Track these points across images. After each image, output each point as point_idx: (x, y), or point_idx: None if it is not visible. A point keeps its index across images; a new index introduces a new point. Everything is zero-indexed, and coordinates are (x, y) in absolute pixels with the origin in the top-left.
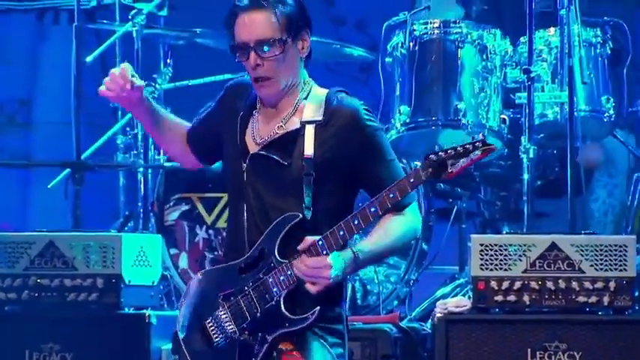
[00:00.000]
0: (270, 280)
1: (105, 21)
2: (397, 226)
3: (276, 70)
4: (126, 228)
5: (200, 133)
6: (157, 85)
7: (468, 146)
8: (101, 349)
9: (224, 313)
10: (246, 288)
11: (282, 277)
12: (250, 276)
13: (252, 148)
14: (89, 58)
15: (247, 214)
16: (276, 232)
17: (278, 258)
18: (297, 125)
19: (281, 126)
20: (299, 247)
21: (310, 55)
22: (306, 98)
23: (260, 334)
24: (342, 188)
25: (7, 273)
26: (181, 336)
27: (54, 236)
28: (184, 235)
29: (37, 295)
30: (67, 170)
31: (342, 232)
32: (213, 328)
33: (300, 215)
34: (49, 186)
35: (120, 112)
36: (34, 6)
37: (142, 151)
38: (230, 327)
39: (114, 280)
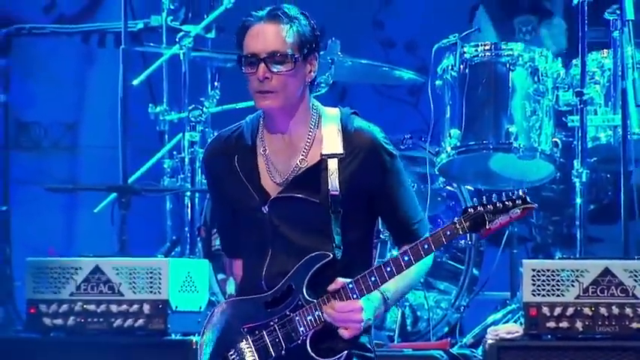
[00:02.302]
0: (297, 318)
1: (152, 44)
2: (416, 264)
3: (282, 86)
4: (173, 253)
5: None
6: (204, 109)
7: (507, 203)
8: None
9: (247, 347)
10: (272, 323)
11: (309, 317)
12: (277, 311)
13: (273, 189)
14: (136, 81)
15: (270, 255)
16: (304, 270)
17: (306, 296)
18: (318, 158)
19: (303, 159)
20: (329, 288)
21: (314, 81)
22: (317, 125)
23: None
24: (366, 218)
25: (52, 299)
26: None
27: (100, 261)
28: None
29: (82, 320)
30: (114, 194)
31: (373, 279)
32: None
33: (330, 255)
34: (95, 210)
35: (167, 136)
36: (79, 29)
37: (189, 175)
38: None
39: (160, 306)
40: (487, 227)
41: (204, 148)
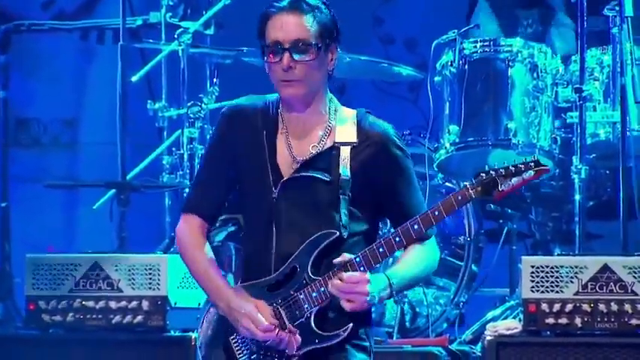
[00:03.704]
0: (302, 296)
1: (150, 40)
2: (422, 258)
3: (306, 74)
4: (172, 249)
5: (217, 202)
6: (203, 105)
7: (520, 166)
8: None
9: None
10: (274, 304)
11: (314, 294)
12: (280, 293)
13: (286, 171)
14: (135, 78)
15: (277, 236)
16: (311, 248)
17: (311, 275)
18: (330, 145)
19: (316, 145)
20: (335, 260)
21: (332, 71)
22: (334, 116)
23: (287, 352)
24: (370, 213)
25: (52, 295)
26: (201, 354)
27: (99, 257)
28: (231, 257)
29: (81, 317)
30: (113, 191)
31: (382, 249)
32: (237, 344)
33: (337, 233)
34: (94, 207)
35: (165, 133)
36: (77, 25)
37: (187, 171)
38: (254, 344)
39: (159, 302)
40: (500, 189)
41: (227, 106)
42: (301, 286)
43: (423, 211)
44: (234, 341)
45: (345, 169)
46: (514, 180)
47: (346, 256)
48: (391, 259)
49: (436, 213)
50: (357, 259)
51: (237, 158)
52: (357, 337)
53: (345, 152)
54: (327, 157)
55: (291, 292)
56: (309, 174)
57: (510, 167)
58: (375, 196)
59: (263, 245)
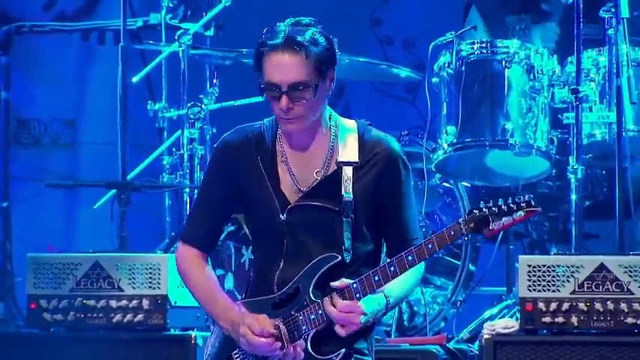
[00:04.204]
0: (301, 317)
1: (151, 41)
2: (415, 272)
3: (306, 111)
4: (172, 249)
5: (213, 233)
6: (203, 106)
7: (512, 205)
8: None
9: None
10: (276, 323)
11: (312, 316)
12: (282, 312)
13: (291, 197)
14: (135, 79)
15: (284, 259)
16: (312, 271)
17: (311, 297)
18: (335, 167)
19: (318, 170)
20: (332, 284)
21: (330, 92)
22: (336, 136)
23: None
24: (373, 232)
25: (53, 294)
26: None
27: (100, 257)
28: (230, 256)
29: (82, 316)
30: (113, 191)
31: (377, 278)
32: (238, 358)
33: (339, 257)
34: (94, 206)
35: (166, 133)
36: (78, 26)
37: (187, 171)
38: (256, 358)
39: (160, 301)
40: (490, 228)
41: (213, 141)
42: (302, 307)
43: (416, 229)
44: (235, 356)
45: (347, 191)
46: (504, 219)
47: (344, 282)
48: None
49: (429, 246)
50: (355, 285)
51: (239, 189)
52: (360, 353)
53: (348, 173)
54: (331, 181)
55: (292, 313)
56: (314, 203)
57: (502, 206)
58: (377, 211)
59: (271, 264)
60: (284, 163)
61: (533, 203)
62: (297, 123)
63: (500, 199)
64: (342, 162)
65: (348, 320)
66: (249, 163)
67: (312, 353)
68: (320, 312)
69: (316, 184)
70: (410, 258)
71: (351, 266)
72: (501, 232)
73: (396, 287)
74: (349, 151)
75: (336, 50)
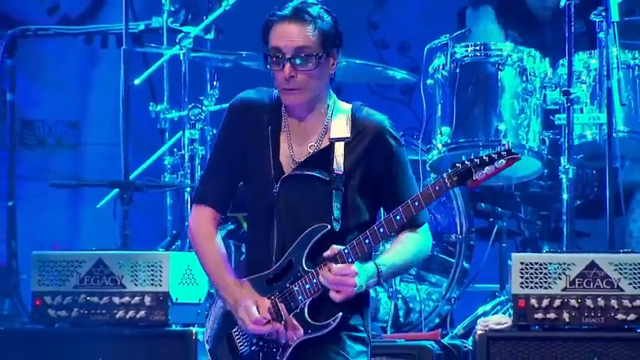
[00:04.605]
0: (296, 288)
1: (152, 44)
2: (413, 244)
3: (307, 83)
4: (173, 247)
5: (227, 192)
6: (203, 107)
7: (493, 155)
8: None
9: None
10: (272, 297)
11: (307, 286)
12: (277, 286)
13: (286, 167)
14: (137, 81)
15: (278, 230)
16: (304, 242)
17: (305, 267)
18: (328, 143)
19: (315, 144)
20: (325, 254)
21: (334, 74)
22: (331, 115)
23: (283, 341)
24: (367, 204)
25: (57, 291)
26: (208, 347)
27: (103, 255)
28: (230, 254)
29: (86, 312)
30: (116, 190)
31: (367, 240)
32: (238, 336)
33: (328, 226)
34: (98, 205)
35: (167, 134)
36: (82, 30)
37: (188, 171)
38: (254, 335)
39: (161, 298)
40: (474, 178)
41: (233, 99)
42: (296, 278)
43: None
44: (235, 333)
45: (338, 165)
46: (487, 169)
47: (335, 248)
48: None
49: (416, 203)
50: (346, 251)
51: (244, 151)
52: (353, 329)
53: (340, 148)
54: (324, 155)
55: (287, 285)
56: (306, 172)
57: (484, 157)
58: (372, 185)
59: (264, 239)
60: (285, 134)
61: (513, 150)
62: (297, 94)
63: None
64: (334, 138)
65: (342, 283)
66: (259, 128)
67: (310, 321)
68: (314, 281)
69: (309, 157)
70: (398, 217)
71: (343, 236)
72: (494, 231)
73: (388, 257)
74: (341, 128)
75: (341, 33)
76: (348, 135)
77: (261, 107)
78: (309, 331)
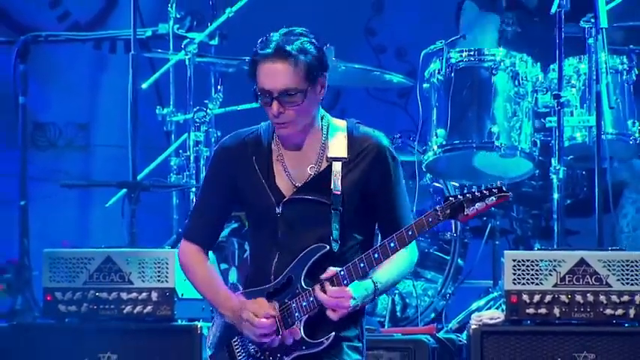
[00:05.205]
0: (294, 305)
1: (159, 50)
2: (404, 260)
3: (296, 116)
4: (179, 244)
5: (213, 230)
6: (208, 110)
7: (484, 191)
8: (155, 359)
9: None
10: (274, 307)
11: (304, 303)
12: (277, 300)
13: (286, 191)
14: (144, 85)
15: (279, 250)
16: (303, 261)
17: (303, 285)
18: (327, 164)
19: (314, 166)
20: (321, 276)
21: (323, 97)
22: (327, 135)
23: (279, 354)
24: (365, 222)
25: (67, 287)
26: (209, 353)
27: (111, 252)
28: (234, 251)
29: (95, 307)
30: (124, 190)
31: (362, 265)
32: (237, 346)
33: (327, 247)
34: (106, 205)
35: (173, 136)
36: (91, 36)
37: (193, 172)
38: (252, 346)
39: (167, 294)
40: (464, 213)
41: (217, 143)
42: (294, 295)
43: (409, 218)
44: (235, 343)
45: (336, 185)
46: (478, 205)
47: (331, 271)
48: None
49: (410, 233)
50: (342, 273)
51: (236, 189)
52: (351, 340)
53: (337, 168)
54: (323, 176)
55: (286, 301)
56: (307, 196)
57: (476, 193)
58: (369, 202)
59: (265, 257)
60: (279, 161)
61: (504, 189)
62: (288, 127)
63: (474, 187)
64: (332, 157)
65: (338, 305)
66: (245, 164)
67: (305, 338)
68: (311, 299)
69: (309, 180)
70: (392, 245)
71: (341, 256)
72: (488, 230)
73: (384, 274)
74: (339, 147)
75: (326, 58)
76: (346, 155)
77: (242, 146)
78: (303, 348)
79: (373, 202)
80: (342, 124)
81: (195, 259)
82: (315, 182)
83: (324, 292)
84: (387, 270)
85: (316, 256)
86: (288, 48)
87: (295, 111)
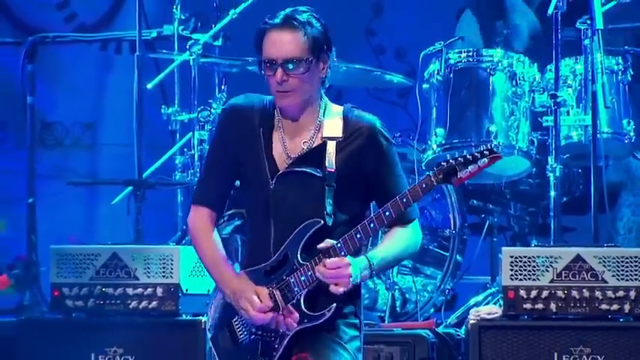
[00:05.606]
0: (292, 280)
1: (164, 51)
2: (403, 239)
3: (298, 86)
4: (183, 241)
5: (222, 192)
6: (212, 110)
7: (476, 154)
8: (160, 353)
9: None
10: (270, 288)
11: (302, 278)
12: (275, 277)
13: (282, 165)
14: (150, 85)
15: (274, 224)
16: (299, 237)
17: (300, 260)
18: (320, 142)
19: (307, 142)
20: (318, 246)
21: (326, 78)
22: (324, 115)
23: (280, 330)
24: (359, 200)
25: (74, 282)
26: (209, 335)
27: (117, 249)
28: (237, 248)
29: (101, 302)
30: (130, 188)
31: (359, 235)
32: (238, 325)
33: (322, 221)
34: (112, 202)
35: (178, 135)
36: (97, 37)
37: (198, 170)
38: (253, 325)
39: (172, 289)
40: (458, 177)
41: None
42: (292, 270)
43: None
44: (236, 323)
45: (330, 162)
46: (470, 167)
47: (328, 242)
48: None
49: (404, 200)
50: (338, 245)
51: (238, 152)
52: (347, 316)
53: (331, 146)
54: (317, 152)
55: (284, 277)
56: (300, 169)
57: (467, 156)
58: (364, 182)
59: (262, 233)
60: (278, 131)
61: (495, 150)
62: (291, 96)
63: (465, 151)
64: (327, 137)
65: (338, 275)
66: (250, 126)
67: (306, 311)
68: (309, 273)
69: (303, 154)
70: (387, 213)
71: (335, 230)
72: (486, 227)
73: (378, 252)
74: (334, 127)
75: (331, 38)
76: (340, 135)
77: (250, 110)
78: (305, 321)
79: (370, 183)
80: (338, 108)
81: (204, 232)
82: (308, 156)
83: (323, 264)
84: (383, 248)
85: (311, 231)
86: (297, 17)
87: (298, 80)
